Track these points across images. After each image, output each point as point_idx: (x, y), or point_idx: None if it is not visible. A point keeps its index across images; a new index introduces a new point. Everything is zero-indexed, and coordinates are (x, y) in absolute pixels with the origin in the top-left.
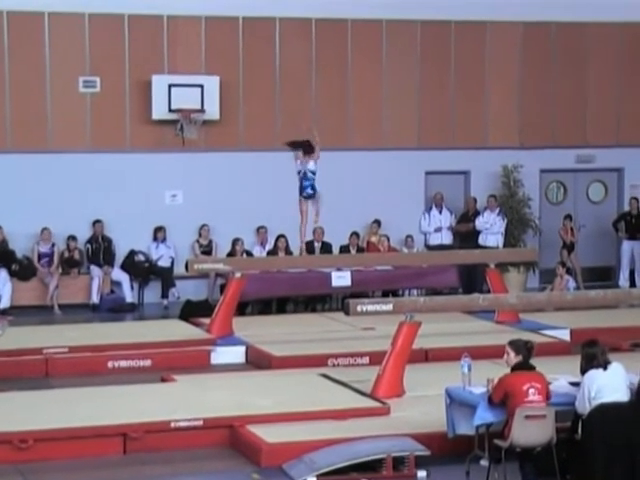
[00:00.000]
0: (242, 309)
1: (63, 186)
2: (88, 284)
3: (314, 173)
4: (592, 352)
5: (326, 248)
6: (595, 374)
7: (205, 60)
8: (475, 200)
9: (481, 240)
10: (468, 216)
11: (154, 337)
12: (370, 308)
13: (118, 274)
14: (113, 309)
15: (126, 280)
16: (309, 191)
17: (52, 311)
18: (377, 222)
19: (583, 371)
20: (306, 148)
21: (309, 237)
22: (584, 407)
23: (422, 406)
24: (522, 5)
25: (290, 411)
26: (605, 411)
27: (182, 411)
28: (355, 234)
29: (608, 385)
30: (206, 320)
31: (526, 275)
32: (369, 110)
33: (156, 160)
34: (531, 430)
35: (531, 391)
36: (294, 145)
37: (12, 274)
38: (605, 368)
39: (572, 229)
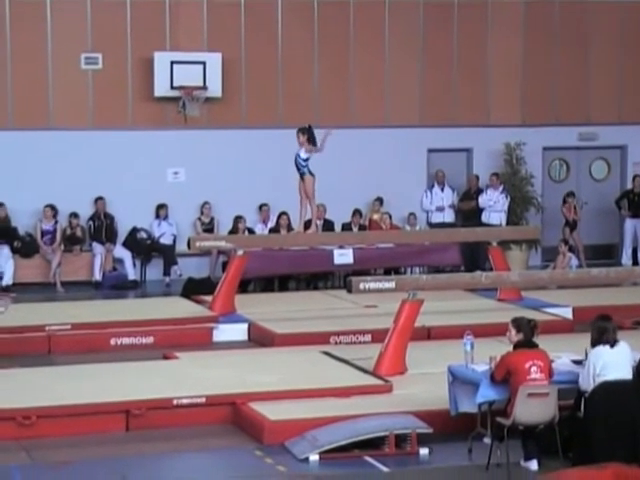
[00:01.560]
0: (244, 287)
1: (65, 163)
2: (90, 261)
3: (305, 160)
4: (604, 326)
5: (328, 226)
6: (602, 351)
7: (207, 37)
8: (477, 178)
9: (484, 218)
10: (470, 194)
11: (156, 314)
12: (372, 286)
13: (120, 251)
14: (115, 286)
15: (128, 257)
16: (299, 172)
17: (55, 288)
18: (379, 200)
19: (593, 344)
20: (311, 137)
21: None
22: (588, 384)
23: (424, 384)
24: None
25: (292, 388)
26: (608, 389)
27: (184, 388)
28: (357, 212)
29: (613, 363)
30: (208, 298)
31: (528, 253)
32: (371, 88)
33: (158, 137)
34: (534, 408)
35: (533, 369)
36: (304, 129)
37: (15, 251)
38: (612, 345)
39: (575, 207)
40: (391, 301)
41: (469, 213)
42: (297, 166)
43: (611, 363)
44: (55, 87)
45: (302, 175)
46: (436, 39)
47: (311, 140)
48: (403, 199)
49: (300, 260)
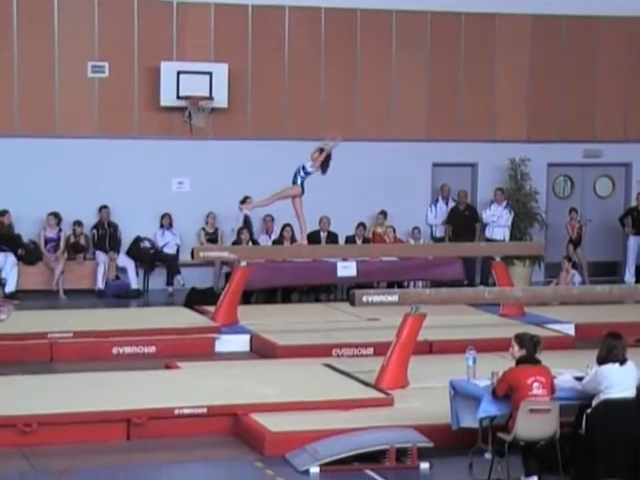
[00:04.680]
0: (247, 298)
1: (70, 171)
2: (94, 270)
3: (306, 174)
4: (614, 343)
5: (332, 238)
6: (611, 369)
7: (214, 47)
8: (466, 194)
9: (488, 233)
10: (460, 210)
11: (159, 324)
12: (376, 299)
13: (124, 260)
14: (118, 295)
15: (131, 266)
16: (293, 179)
17: (57, 296)
18: (383, 213)
19: (601, 360)
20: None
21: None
22: (594, 389)
23: (426, 398)
24: None
25: (294, 400)
26: (610, 406)
27: (186, 398)
28: (361, 225)
29: (621, 382)
30: (211, 308)
31: (531, 269)
32: (377, 101)
33: (163, 147)
34: (535, 424)
35: (535, 385)
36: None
37: (18, 258)
38: (622, 364)
39: (580, 222)
40: (394, 314)
41: (462, 229)
42: (296, 174)
43: (618, 382)
44: (61, 95)
45: (294, 183)
46: (443, 53)
47: (324, 164)
48: (407, 213)
49: (303, 272)
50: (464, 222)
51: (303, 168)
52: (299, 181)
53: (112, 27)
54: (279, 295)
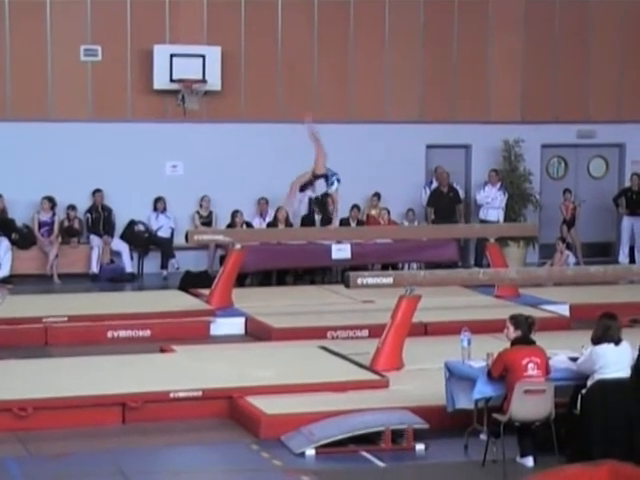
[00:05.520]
0: (242, 280)
1: (63, 155)
2: (88, 254)
3: (333, 181)
4: (609, 323)
5: (326, 220)
6: (606, 349)
7: (207, 30)
8: (448, 175)
9: (482, 214)
10: (443, 191)
11: (153, 307)
12: (370, 281)
13: (118, 244)
14: (113, 279)
15: (126, 250)
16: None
17: (52, 280)
18: (377, 195)
19: (596, 340)
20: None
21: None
22: (589, 369)
23: (421, 379)
24: None
25: (289, 383)
26: (604, 387)
27: (181, 382)
28: (356, 207)
29: (616, 362)
30: (206, 291)
31: (526, 250)
32: (371, 83)
33: (157, 130)
34: (530, 405)
35: (530, 366)
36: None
37: (12, 243)
38: (617, 344)
39: (574, 203)
40: (389, 297)
41: (446, 211)
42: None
43: (613, 362)
44: (54, 78)
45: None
46: (436, 35)
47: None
48: (401, 195)
49: (298, 254)
50: (448, 204)
51: (338, 180)
52: (330, 174)
53: (105, 10)
54: (274, 278)
